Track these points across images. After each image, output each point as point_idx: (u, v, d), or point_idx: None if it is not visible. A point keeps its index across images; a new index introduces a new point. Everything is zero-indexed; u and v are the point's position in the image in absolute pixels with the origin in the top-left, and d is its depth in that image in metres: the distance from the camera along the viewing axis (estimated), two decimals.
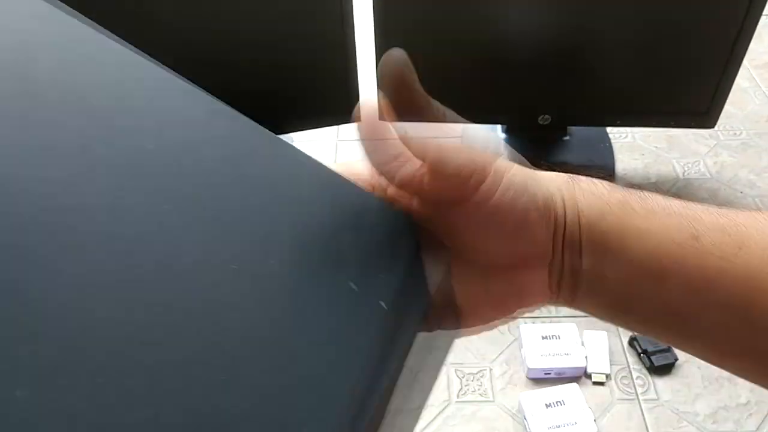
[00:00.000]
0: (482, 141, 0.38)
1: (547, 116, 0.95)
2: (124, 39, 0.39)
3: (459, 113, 1.03)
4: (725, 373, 0.74)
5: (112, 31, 0.40)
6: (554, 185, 0.33)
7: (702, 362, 0.78)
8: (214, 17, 0.81)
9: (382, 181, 0.35)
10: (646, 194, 0.32)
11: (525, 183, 0.33)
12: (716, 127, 0.94)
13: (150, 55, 0.39)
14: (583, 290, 0.32)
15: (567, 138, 1.04)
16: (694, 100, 0.91)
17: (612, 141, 1.05)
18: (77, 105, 0.32)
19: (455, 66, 0.90)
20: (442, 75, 0.90)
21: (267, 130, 0.38)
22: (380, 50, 0.89)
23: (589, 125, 1.04)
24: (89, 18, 0.39)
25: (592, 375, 0.74)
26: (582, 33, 0.86)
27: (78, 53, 0.35)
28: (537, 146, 1.04)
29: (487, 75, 0.91)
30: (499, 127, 1.06)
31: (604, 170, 1.00)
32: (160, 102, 0.38)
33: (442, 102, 1.03)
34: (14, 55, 0.32)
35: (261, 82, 0.88)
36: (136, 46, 0.39)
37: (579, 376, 0.75)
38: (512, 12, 0.84)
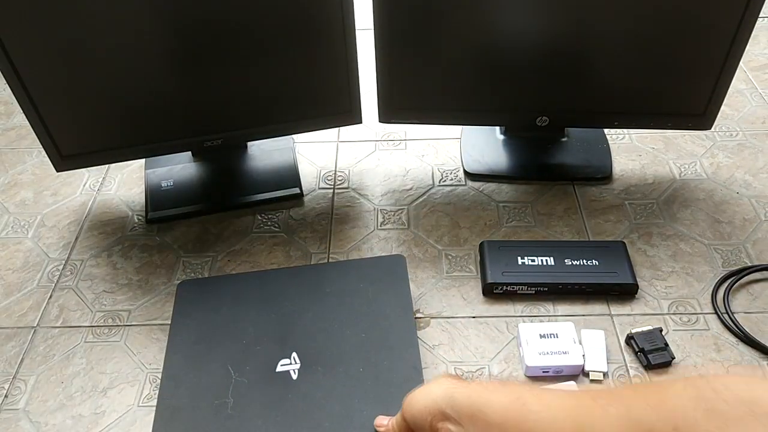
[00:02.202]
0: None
1: (545, 118, 0.96)
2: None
3: (459, 114, 1.05)
4: (721, 372, 0.75)
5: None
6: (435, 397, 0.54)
7: (698, 361, 0.79)
8: (213, 17, 0.81)
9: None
10: (497, 382, 0.55)
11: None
12: (713, 129, 0.95)
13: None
14: None
15: (565, 139, 1.04)
16: (691, 102, 0.91)
17: (609, 142, 1.06)
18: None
19: (454, 68, 0.91)
20: (441, 77, 0.92)
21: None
22: (381, 53, 0.90)
23: (586, 127, 1.04)
24: None
25: (590, 373, 0.75)
26: (580, 35, 0.87)
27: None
28: (535, 147, 1.04)
29: (486, 77, 0.92)
30: (498, 128, 1.07)
31: (602, 171, 1.00)
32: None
33: (442, 103, 1.05)
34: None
35: (262, 85, 0.89)
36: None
37: (577, 374, 0.75)
38: (511, 14, 0.85)
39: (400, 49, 0.89)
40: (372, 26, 0.87)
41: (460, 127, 1.09)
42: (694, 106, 0.92)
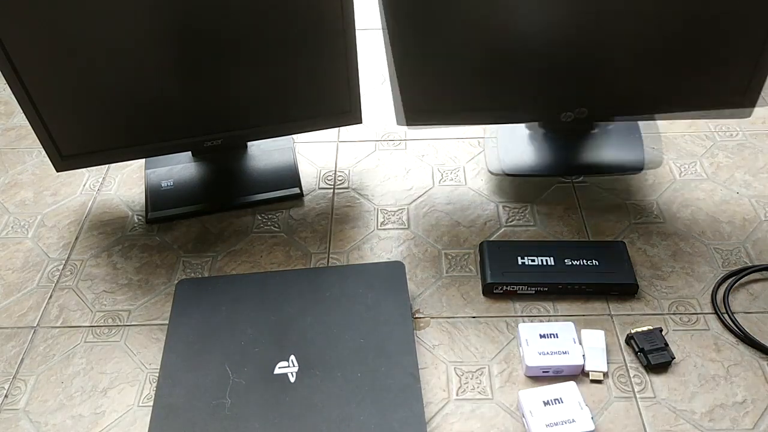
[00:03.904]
0: None
1: (583, 109, 0.91)
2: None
3: (486, 113, 0.94)
4: (721, 372, 0.75)
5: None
6: None
7: (698, 361, 0.79)
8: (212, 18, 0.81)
9: None
10: None
11: None
12: (712, 128, 0.95)
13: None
14: None
15: (595, 131, 0.99)
16: (733, 80, 0.86)
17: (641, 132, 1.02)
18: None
19: (479, 65, 0.86)
20: (466, 75, 0.88)
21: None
22: (398, 54, 0.85)
23: (622, 118, 0.96)
24: None
25: (590, 373, 0.75)
26: (612, 22, 0.82)
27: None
28: (565, 142, 0.99)
29: (514, 71, 0.87)
30: (525, 124, 1.02)
31: (635, 164, 0.95)
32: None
33: (468, 102, 0.99)
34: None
35: (262, 85, 0.89)
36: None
37: (577, 374, 0.75)
38: (537, 3, 0.80)
39: (419, 48, 0.84)
40: (384, 26, 0.83)
41: (484, 126, 1.04)
42: (735, 84, 0.86)
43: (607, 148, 0.99)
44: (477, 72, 0.88)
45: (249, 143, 1.03)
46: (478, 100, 0.91)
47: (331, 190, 1.01)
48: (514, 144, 1.01)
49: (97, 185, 1.03)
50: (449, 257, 0.90)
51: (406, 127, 1.12)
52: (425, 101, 0.91)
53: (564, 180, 1.00)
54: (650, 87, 0.88)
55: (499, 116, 0.94)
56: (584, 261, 0.84)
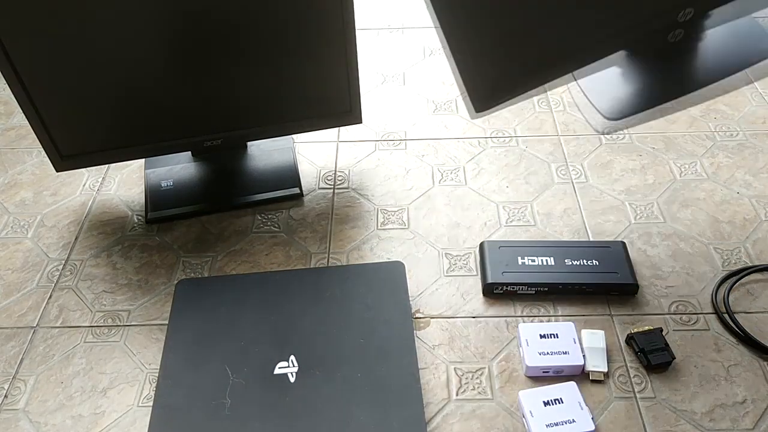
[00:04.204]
0: None
1: (679, 30, 0.72)
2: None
3: (569, 61, 0.74)
4: (722, 372, 0.75)
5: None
6: None
7: (699, 361, 0.79)
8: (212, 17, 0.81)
9: None
10: None
11: None
12: (713, 128, 0.95)
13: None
14: None
15: (702, 42, 0.78)
16: None
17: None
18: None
19: (540, 10, 0.70)
20: (523, 24, 0.70)
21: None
22: (451, 32, 0.71)
23: (729, 20, 0.75)
24: None
25: (590, 373, 0.75)
26: None
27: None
28: (675, 57, 0.78)
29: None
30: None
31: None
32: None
33: (539, 61, 0.74)
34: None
35: (262, 85, 0.89)
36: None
37: (577, 374, 0.75)
38: None
39: (468, 14, 0.70)
40: (431, 11, 0.70)
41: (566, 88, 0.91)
42: None
43: (721, 59, 0.77)
44: (543, 16, 0.70)
45: (249, 143, 1.03)
46: (552, 51, 0.73)
47: (331, 190, 1.01)
48: (608, 91, 0.81)
49: (97, 185, 1.03)
50: (449, 257, 0.90)
51: (400, 125, 1.11)
52: (491, 76, 0.75)
53: (564, 179, 1.00)
54: None
55: (588, 53, 0.74)
56: (584, 261, 0.84)
